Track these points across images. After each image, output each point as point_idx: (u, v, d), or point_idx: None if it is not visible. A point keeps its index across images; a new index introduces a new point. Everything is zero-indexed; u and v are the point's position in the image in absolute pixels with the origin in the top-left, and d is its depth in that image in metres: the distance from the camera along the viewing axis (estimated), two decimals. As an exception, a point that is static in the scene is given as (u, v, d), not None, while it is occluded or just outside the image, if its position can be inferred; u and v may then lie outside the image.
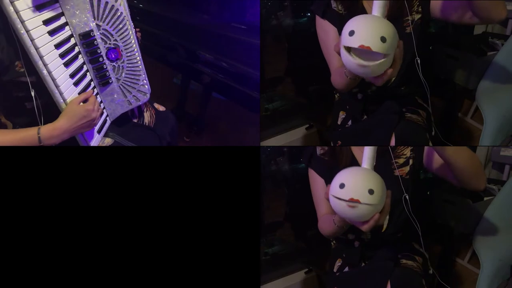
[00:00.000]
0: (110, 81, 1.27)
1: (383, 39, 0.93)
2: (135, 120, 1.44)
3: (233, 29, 1.73)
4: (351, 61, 0.97)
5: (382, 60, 0.95)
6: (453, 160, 1.06)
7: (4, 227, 1.06)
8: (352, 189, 0.98)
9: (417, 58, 1.08)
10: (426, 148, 1.14)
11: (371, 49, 0.93)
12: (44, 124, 1.10)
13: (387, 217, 1.12)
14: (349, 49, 0.97)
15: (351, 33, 0.95)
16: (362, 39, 0.94)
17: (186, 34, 1.99)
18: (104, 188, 1.09)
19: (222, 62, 1.82)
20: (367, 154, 1.05)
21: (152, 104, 1.53)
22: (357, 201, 0.97)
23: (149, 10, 2.15)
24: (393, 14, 1.08)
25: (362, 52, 0.96)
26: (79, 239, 1.09)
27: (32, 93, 1.08)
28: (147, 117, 1.47)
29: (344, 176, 1.01)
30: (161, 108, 1.56)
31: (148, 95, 1.37)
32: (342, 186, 0.99)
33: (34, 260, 1.07)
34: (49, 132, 1.07)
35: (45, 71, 1.07)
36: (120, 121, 1.37)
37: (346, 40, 0.96)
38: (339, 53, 0.99)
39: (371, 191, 0.97)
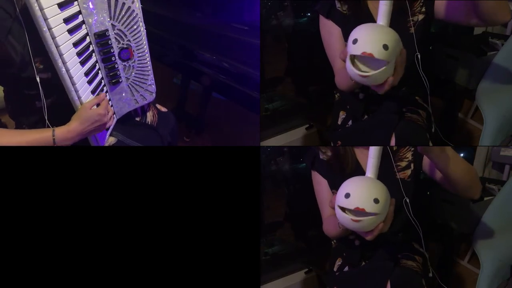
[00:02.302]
0: (120, 80, 1.28)
1: (385, 47, 0.95)
2: (138, 119, 1.45)
3: (233, 29, 1.72)
4: (353, 71, 0.99)
5: (383, 68, 0.97)
6: (449, 172, 1.06)
7: (3, 227, 1.06)
8: (357, 199, 0.99)
9: (417, 53, 1.08)
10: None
11: (373, 56, 0.95)
12: (50, 124, 1.10)
13: None
14: (353, 58, 0.99)
15: (355, 41, 0.98)
16: (364, 46, 0.96)
17: (186, 34, 1.98)
18: (104, 188, 1.09)
19: (222, 62, 1.82)
20: (371, 163, 1.05)
21: (154, 105, 1.54)
22: (363, 210, 0.98)
23: (149, 10, 2.14)
24: (396, 14, 1.08)
25: (366, 59, 0.99)
26: (79, 239, 1.09)
27: (42, 93, 1.09)
28: (149, 116, 1.47)
29: (349, 186, 1.02)
30: (163, 109, 1.56)
31: (154, 95, 1.39)
32: (347, 196, 1.00)
33: (34, 261, 1.07)
34: (64, 134, 1.09)
35: (63, 70, 1.08)
36: (123, 120, 1.38)
37: (350, 48, 0.98)
38: (344, 60, 1.01)
39: (376, 200, 0.98)
